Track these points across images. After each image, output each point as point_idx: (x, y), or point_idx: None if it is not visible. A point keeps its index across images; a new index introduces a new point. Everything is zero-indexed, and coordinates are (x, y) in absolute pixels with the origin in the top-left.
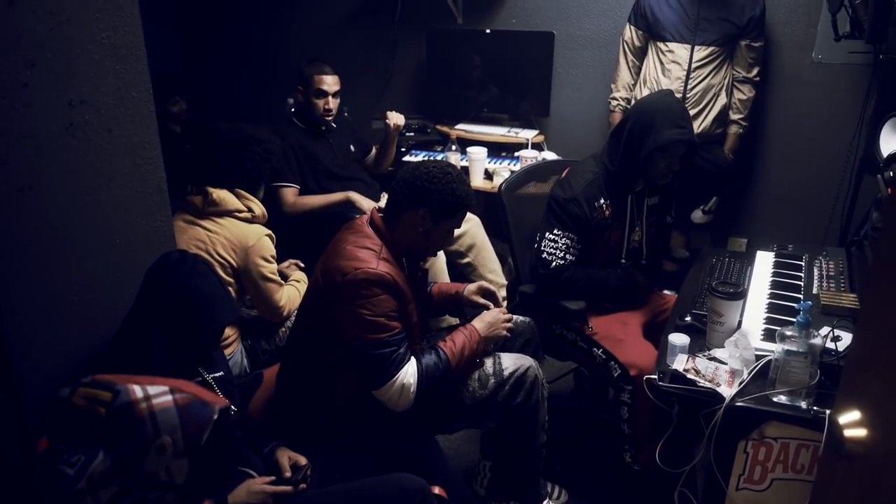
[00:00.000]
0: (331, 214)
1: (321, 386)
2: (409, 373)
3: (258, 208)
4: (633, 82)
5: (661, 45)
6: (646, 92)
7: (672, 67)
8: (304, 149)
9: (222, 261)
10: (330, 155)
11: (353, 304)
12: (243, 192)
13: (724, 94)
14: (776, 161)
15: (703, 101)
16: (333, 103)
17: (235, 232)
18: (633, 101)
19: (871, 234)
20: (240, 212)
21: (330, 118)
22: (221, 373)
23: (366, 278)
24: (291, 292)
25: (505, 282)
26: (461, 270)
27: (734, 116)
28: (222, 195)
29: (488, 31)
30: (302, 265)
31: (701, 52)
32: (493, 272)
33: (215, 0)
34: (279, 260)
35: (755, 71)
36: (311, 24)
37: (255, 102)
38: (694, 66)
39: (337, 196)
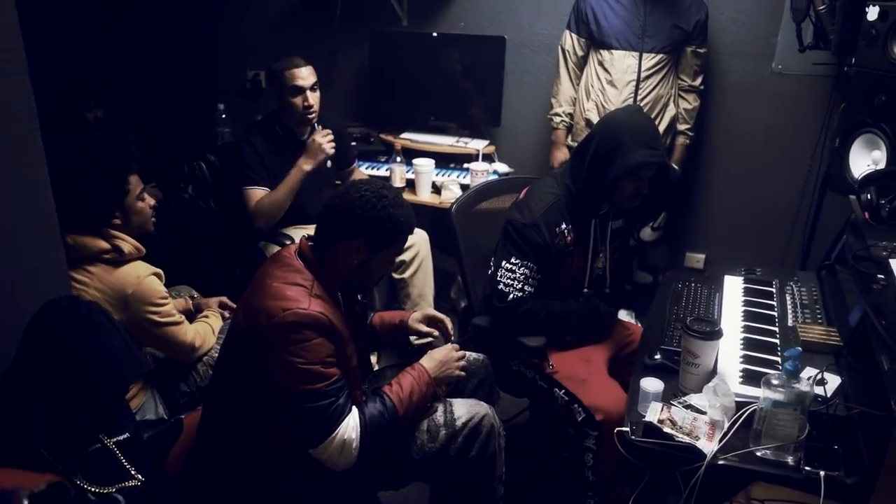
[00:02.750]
0: None
1: (248, 444)
2: (350, 426)
3: (127, 244)
4: (575, 95)
5: (605, 53)
6: (590, 105)
7: (620, 78)
8: (274, 166)
9: None
10: None
11: (282, 351)
12: (108, 231)
13: (672, 104)
14: (733, 173)
15: (652, 113)
16: (314, 98)
17: (108, 281)
18: (575, 115)
19: (852, 262)
20: (105, 253)
21: (313, 116)
22: (126, 435)
23: (296, 321)
24: (202, 327)
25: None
26: (395, 283)
27: (681, 127)
28: (79, 239)
29: (435, 34)
30: (231, 306)
31: (649, 61)
32: (422, 296)
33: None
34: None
35: (700, 79)
36: (244, 26)
37: (184, 108)
38: (643, 75)
39: (294, 173)
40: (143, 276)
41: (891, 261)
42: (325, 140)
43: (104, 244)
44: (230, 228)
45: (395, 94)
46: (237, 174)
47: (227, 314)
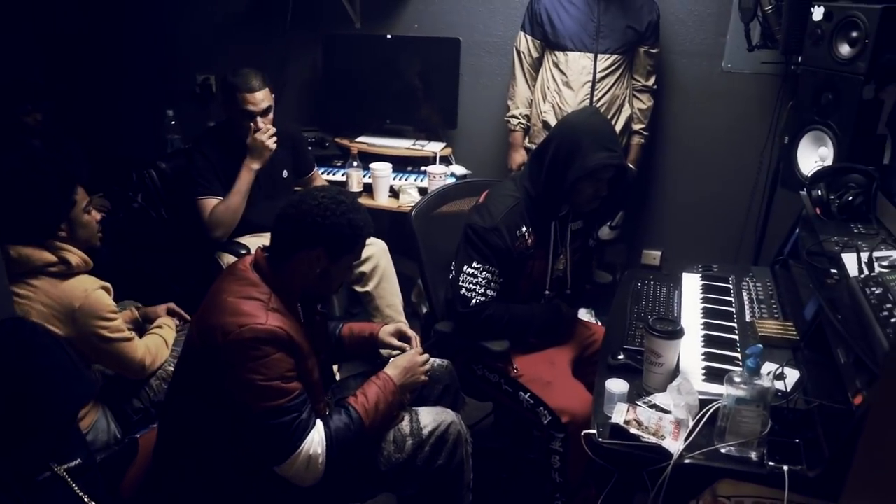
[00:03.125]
0: None
1: (208, 463)
2: (315, 441)
3: (75, 256)
4: (531, 97)
5: (560, 55)
6: (546, 107)
7: (576, 79)
8: (227, 175)
9: None
10: (255, 183)
11: (241, 368)
12: (54, 242)
13: (627, 104)
14: (684, 171)
15: (608, 113)
16: (265, 123)
17: (54, 294)
18: (532, 117)
19: (806, 258)
20: (51, 265)
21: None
22: (78, 461)
23: (254, 336)
24: (153, 341)
25: (404, 320)
26: (360, 298)
27: (636, 127)
28: (24, 250)
29: (389, 36)
30: (183, 317)
31: (604, 62)
32: (392, 307)
33: (83, 2)
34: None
35: (653, 79)
36: (193, 29)
37: (131, 114)
38: (598, 76)
39: (244, 175)
40: (91, 289)
41: (843, 255)
42: (265, 136)
43: (50, 257)
44: (183, 237)
45: (349, 97)
46: (190, 183)
47: (177, 322)
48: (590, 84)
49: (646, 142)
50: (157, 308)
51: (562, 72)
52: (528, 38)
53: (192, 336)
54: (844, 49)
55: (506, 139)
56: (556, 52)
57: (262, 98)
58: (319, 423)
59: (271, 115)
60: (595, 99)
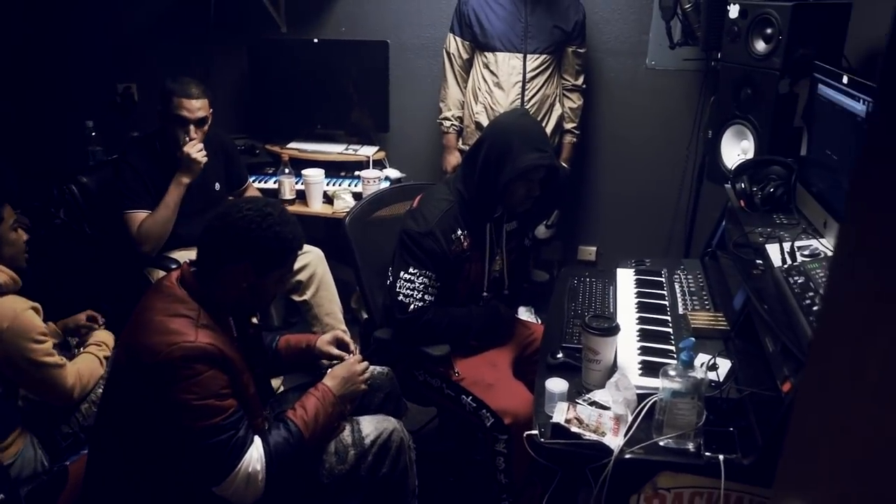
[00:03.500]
0: None
1: (141, 490)
2: (253, 458)
3: (3, 275)
4: (463, 98)
5: (489, 55)
6: (478, 108)
7: (506, 79)
8: (158, 188)
9: None
10: (187, 196)
11: (173, 388)
12: None
13: (558, 103)
14: (615, 167)
15: (540, 113)
16: (198, 134)
17: None
18: (465, 118)
19: (733, 249)
20: None
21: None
22: (1, 496)
23: (183, 355)
24: (85, 365)
25: (344, 328)
26: (298, 307)
27: (567, 126)
28: None
29: (316, 40)
30: (100, 320)
31: (534, 62)
32: (331, 315)
33: None
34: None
35: (582, 79)
36: (112, 36)
37: (49, 127)
38: (528, 76)
39: (173, 189)
40: (20, 309)
41: (767, 246)
42: (194, 150)
43: None
44: (110, 254)
45: (278, 103)
46: (117, 197)
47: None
48: (520, 84)
49: (577, 140)
50: (77, 317)
51: (492, 72)
52: (458, 39)
53: (118, 357)
54: (760, 45)
55: (439, 141)
56: (486, 53)
57: (198, 106)
58: (258, 440)
59: (206, 128)
60: (526, 99)
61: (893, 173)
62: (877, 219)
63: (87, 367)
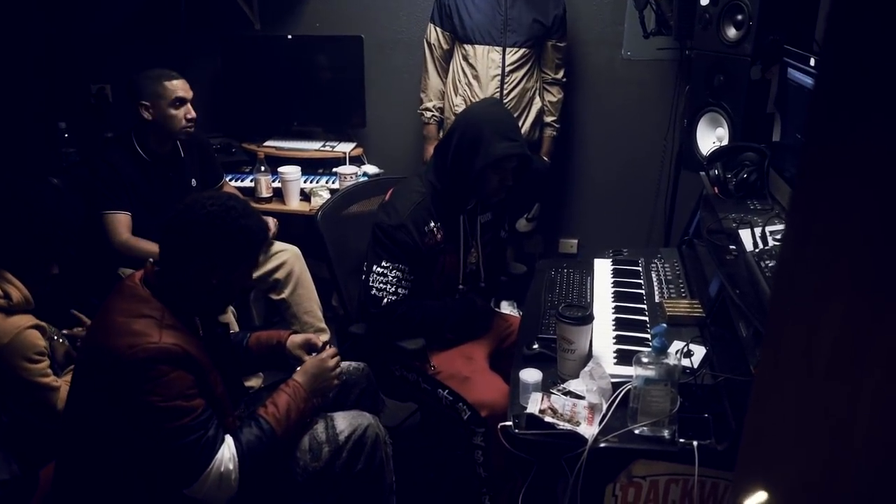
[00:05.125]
0: None
1: (110, 495)
2: (225, 457)
3: (17, 292)
4: (444, 89)
5: (468, 48)
6: (458, 100)
7: (485, 72)
8: (136, 187)
9: None
10: (166, 194)
11: (137, 391)
12: (9, 277)
13: (537, 97)
14: (594, 159)
15: (519, 106)
16: (193, 111)
17: None
18: (445, 110)
19: (707, 236)
20: None
21: (192, 128)
22: None
23: (147, 357)
24: None
25: (324, 326)
26: (277, 305)
27: (547, 119)
28: None
29: (290, 36)
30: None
31: (513, 55)
32: (309, 313)
33: None
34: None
35: (562, 72)
36: (82, 37)
37: (18, 126)
38: (507, 69)
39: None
40: (21, 327)
41: (740, 231)
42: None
43: None
44: (82, 254)
45: (253, 100)
46: (95, 197)
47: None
48: (499, 77)
49: (557, 134)
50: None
51: (471, 65)
52: (438, 29)
53: (82, 360)
54: (731, 32)
55: (418, 135)
56: (465, 46)
57: (186, 86)
58: (229, 439)
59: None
60: (505, 92)
61: (837, 144)
62: (824, 194)
63: None
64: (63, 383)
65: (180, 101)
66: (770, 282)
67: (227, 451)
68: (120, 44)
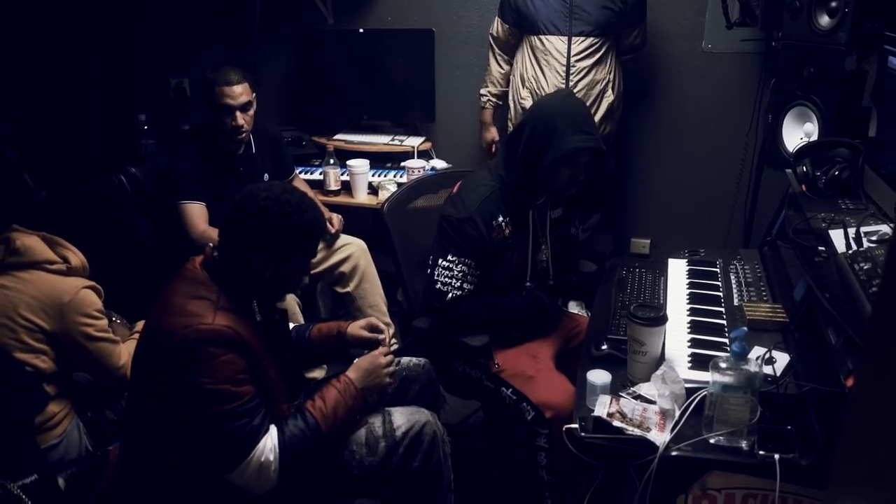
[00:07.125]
0: None
1: (162, 471)
2: (267, 448)
3: (76, 258)
4: (503, 75)
5: (534, 38)
6: (525, 93)
7: (550, 63)
8: (208, 178)
9: (29, 325)
10: (236, 187)
11: (186, 372)
12: (58, 239)
13: (610, 90)
14: (671, 157)
15: (588, 99)
16: (244, 119)
17: (44, 288)
18: (512, 104)
19: (793, 237)
20: (51, 263)
21: (242, 137)
22: (34, 476)
23: (198, 338)
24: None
25: (388, 320)
26: (342, 298)
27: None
28: (29, 242)
29: (362, 30)
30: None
31: (579, 45)
32: (374, 307)
33: (44, 3)
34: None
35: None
36: (162, 32)
37: (102, 118)
38: (573, 59)
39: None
40: (81, 287)
41: (830, 232)
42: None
43: (52, 255)
44: (160, 243)
45: (324, 94)
46: (172, 188)
47: None
48: (565, 68)
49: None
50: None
51: (537, 56)
52: (500, 22)
53: (142, 341)
54: (824, 20)
55: None
56: (532, 37)
57: (240, 92)
58: (273, 429)
59: (252, 112)
60: (571, 83)
61: None
62: None
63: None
64: (124, 346)
65: (227, 109)
66: (865, 286)
67: (270, 442)
68: (198, 38)
